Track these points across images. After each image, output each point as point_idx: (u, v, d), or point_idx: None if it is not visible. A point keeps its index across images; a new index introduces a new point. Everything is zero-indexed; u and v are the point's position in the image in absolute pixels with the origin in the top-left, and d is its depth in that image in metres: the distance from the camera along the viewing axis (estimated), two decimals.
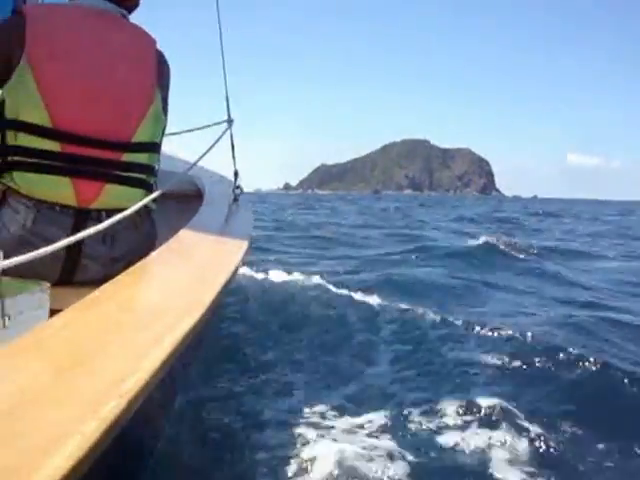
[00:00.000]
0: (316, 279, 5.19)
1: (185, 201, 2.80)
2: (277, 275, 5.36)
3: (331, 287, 4.91)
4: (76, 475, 0.51)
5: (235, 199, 2.64)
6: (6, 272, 1.12)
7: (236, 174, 2.80)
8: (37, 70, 1.79)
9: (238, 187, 2.75)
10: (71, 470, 0.49)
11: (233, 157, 2.84)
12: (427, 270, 6.70)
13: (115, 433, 0.57)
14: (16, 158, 1.82)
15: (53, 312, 1.40)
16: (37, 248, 1.77)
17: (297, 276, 5.31)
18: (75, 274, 1.90)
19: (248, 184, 2.93)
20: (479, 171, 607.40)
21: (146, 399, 0.67)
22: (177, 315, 0.90)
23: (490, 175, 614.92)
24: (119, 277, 1.09)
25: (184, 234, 1.73)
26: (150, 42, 2.05)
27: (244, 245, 1.74)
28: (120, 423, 0.58)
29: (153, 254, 1.38)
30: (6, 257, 1.80)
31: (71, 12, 1.94)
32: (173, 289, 1.14)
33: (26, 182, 1.81)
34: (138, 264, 1.25)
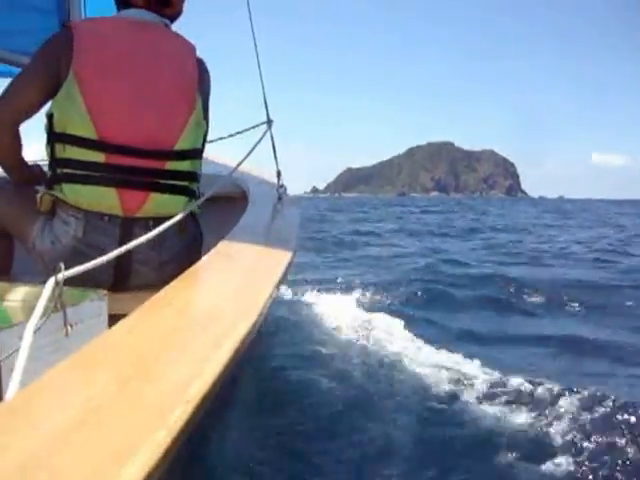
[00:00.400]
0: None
1: (230, 203, 2.82)
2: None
3: None
4: None
5: (279, 198, 2.66)
6: (65, 282, 1.15)
7: (279, 174, 2.82)
8: (83, 83, 1.83)
9: (282, 186, 2.76)
10: (145, 478, 0.50)
11: (275, 157, 2.86)
12: None
13: (183, 439, 0.57)
14: (65, 170, 1.86)
15: (111, 317, 1.43)
16: (90, 257, 1.83)
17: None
18: (128, 279, 1.95)
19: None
20: (504, 173, 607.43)
21: (210, 403, 0.67)
22: (234, 318, 0.90)
23: (515, 176, 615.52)
24: (173, 283, 1.11)
25: (232, 237, 1.74)
26: (191, 50, 2.07)
27: (291, 245, 1.75)
28: (188, 429, 0.59)
29: (204, 258, 1.39)
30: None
31: (115, 25, 1.96)
32: (226, 293, 1.15)
33: (74, 194, 1.86)
34: (190, 269, 1.26)
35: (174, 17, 2.12)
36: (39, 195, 1.91)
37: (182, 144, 1.97)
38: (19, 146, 2.03)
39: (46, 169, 2.19)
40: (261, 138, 2.81)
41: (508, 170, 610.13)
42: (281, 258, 1.51)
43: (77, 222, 1.88)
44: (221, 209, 2.57)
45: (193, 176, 2.04)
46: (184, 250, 2.03)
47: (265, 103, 2.95)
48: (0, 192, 2.15)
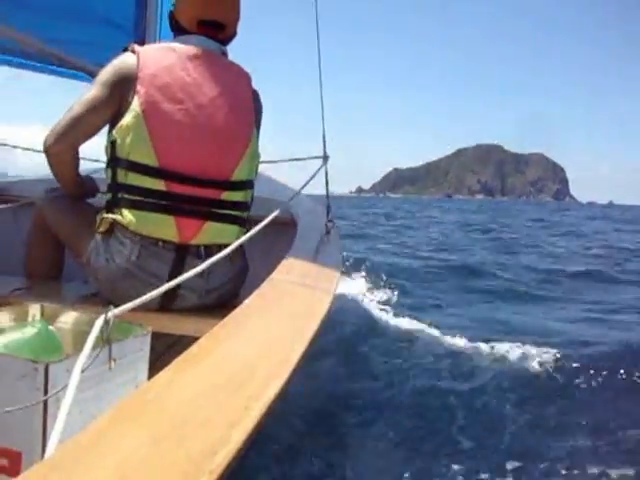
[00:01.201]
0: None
1: (278, 227, 2.87)
2: None
3: None
4: None
5: (327, 232, 2.71)
6: (114, 301, 1.23)
7: (329, 208, 2.88)
8: (146, 112, 1.90)
9: (331, 220, 2.81)
10: None
11: (327, 192, 2.92)
12: None
13: None
14: (125, 195, 1.93)
15: (155, 334, 1.51)
16: (141, 280, 1.94)
17: None
18: (174, 302, 2.01)
19: (318, 187, 2.90)
20: (553, 177, 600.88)
21: (233, 468, 0.73)
22: (266, 378, 0.96)
23: (564, 181, 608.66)
24: (214, 330, 1.16)
25: (276, 276, 1.79)
26: (248, 81, 2.14)
27: (332, 288, 1.80)
28: None
29: (246, 302, 1.44)
30: (111, 285, 1.98)
31: (179, 54, 2.01)
32: (264, 343, 1.20)
33: (132, 218, 1.93)
34: (232, 314, 1.32)
35: (228, 40, 2.19)
36: (99, 217, 2.00)
37: (238, 175, 2.04)
38: (78, 164, 2.12)
39: (95, 180, 2.32)
40: (316, 172, 2.88)
41: (557, 174, 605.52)
42: (320, 305, 1.55)
43: (133, 245, 1.95)
44: (269, 233, 2.63)
45: (245, 206, 2.12)
46: (230, 279, 2.10)
47: (323, 139, 3.02)
48: (56, 203, 2.25)
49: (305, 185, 3.10)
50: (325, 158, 2.97)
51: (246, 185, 2.10)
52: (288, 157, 3.67)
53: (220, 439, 0.74)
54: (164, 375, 0.91)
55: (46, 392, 1.06)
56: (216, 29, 2.12)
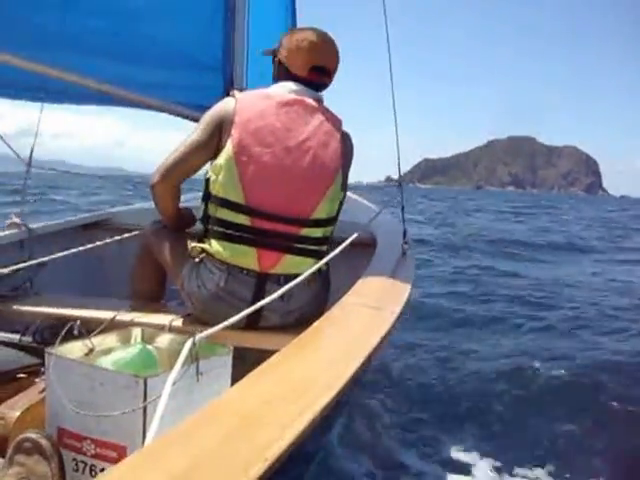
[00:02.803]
0: None
1: (362, 248, 3.01)
2: None
3: None
4: None
5: (403, 253, 2.86)
6: (205, 321, 1.46)
7: (405, 232, 3.02)
8: (237, 154, 2.10)
9: (407, 243, 2.95)
10: None
11: (402, 217, 3.07)
12: None
13: None
14: (215, 228, 2.15)
15: (242, 349, 1.73)
16: (228, 303, 2.16)
17: None
18: (258, 322, 2.20)
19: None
20: (585, 170, 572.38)
21: (287, 460, 0.92)
22: (319, 390, 1.15)
23: (597, 174, 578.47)
24: (283, 350, 1.37)
25: (347, 299, 1.97)
26: (337, 125, 2.28)
27: (397, 310, 1.94)
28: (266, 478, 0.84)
29: (315, 324, 1.63)
30: (203, 307, 2.21)
31: (273, 100, 2.20)
32: (324, 361, 1.39)
33: (220, 248, 2.14)
34: (302, 335, 1.51)
35: (325, 87, 2.37)
36: (191, 246, 2.23)
37: (318, 214, 2.21)
38: (179, 200, 2.38)
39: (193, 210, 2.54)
40: (392, 199, 3.05)
41: (590, 167, 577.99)
42: (383, 327, 1.72)
43: (220, 272, 2.17)
44: (353, 253, 2.79)
45: (325, 241, 2.28)
46: (308, 303, 2.26)
47: (399, 167, 3.18)
48: (160, 233, 2.52)
49: (381, 210, 3.29)
50: (400, 185, 3.13)
51: (325, 223, 2.25)
52: None
53: (275, 437, 0.93)
54: (238, 386, 1.13)
55: (145, 400, 1.31)
56: (323, 74, 2.32)
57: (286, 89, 2.26)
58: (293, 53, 2.28)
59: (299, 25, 4.14)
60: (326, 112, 2.28)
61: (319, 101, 2.30)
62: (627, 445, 2.99)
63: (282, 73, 2.33)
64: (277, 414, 1.03)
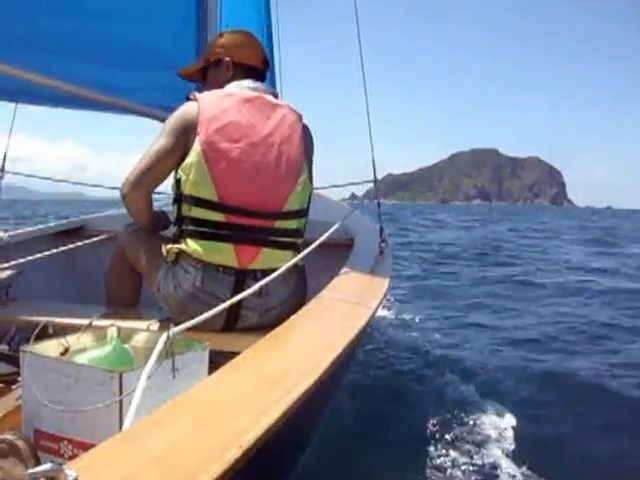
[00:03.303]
0: None
1: (337, 248, 3.01)
2: None
3: None
4: None
5: (381, 252, 2.87)
6: (183, 322, 1.44)
7: (382, 229, 3.04)
8: (206, 151, 2.11)
9: (384, 241, 2.97)
10: None
11: (379, 215, 3.08)
12: None
13: (233, 474, 0.82)
14: (189, 227, 2.15)
15: (220, 352, 1.72)
16: (205, 303, 2.15)
17: None
18: (237, 322, 2.20)
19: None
20: (550, 181, 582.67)
21: (262, 449, 0.92)
22: (297, 378, 1.15)
23: (561, 185, 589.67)
24: (259, 342, 1.37)
25: (324, 294, 1.98)
26: (298, 119, 2.33)
27: (374, 305, 1.95)
28: (237, 466, 0.83)
29: (292, 318, 1.64)
30: (180, 309, 2.20)
31: (234, 97, 2.24)
32: (301, 352, 1.40)
33: (197, 247, 2.13)
34: (279, 328, 1.52)
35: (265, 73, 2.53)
36: (166, 248, 2.21)
37: (290, 206, 2.24)
38: (151, 206, 2.38)
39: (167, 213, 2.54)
40: (366, 197, 3.07)
41: (554, 178, 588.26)
42: (360, 320, 1.72)
43: (197, 272, 2.16)
44: (331, 253, 2.78)
45: (298, 232, 2.30)
46: (287, 299, 2.27)
47: (373, 164, 3.20)
48: (133, 236, 2.50)
49: (356, 208, 3.30)
50: (375, 181, 3.16)
51: (298, 214, 2.28)
52: None
53: (251, 423, 0.94)
54: (212, 377, 1.13)
55: (120, 395, 1.30)
56: (266, 66, 2.50)
57: (244, 87, 2.32)
58: (247, 49, 2.45)
59: (274, 25, 4.17)
60: (285, 107, 2.34)
61: (276, 96, 2.39)
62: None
63: (236, 73, 2.42)
64: (253, 402, 1.04)
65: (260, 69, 2.47)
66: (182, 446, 0.86)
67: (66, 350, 1.62)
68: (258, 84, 2.35)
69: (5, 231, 3.02)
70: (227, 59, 2.43)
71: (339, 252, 2.88)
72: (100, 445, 0.85)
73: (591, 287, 8.30)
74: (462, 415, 3.15)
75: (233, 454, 0.83)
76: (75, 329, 1.85)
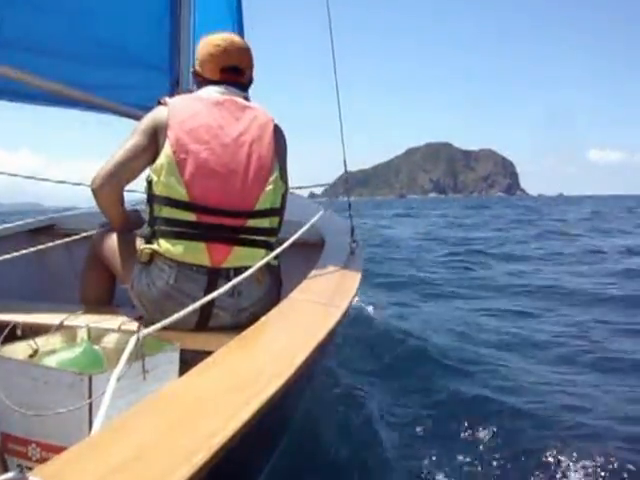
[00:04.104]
0: None
1: (309, 248, 3.02)
2: None
3: None
4: None
5: (352, 252, 2.89)
6: (156, 320, 1.44)
7: (352, 229, 3.07)
8: (177, 153, 2.13)
9: (355, 241, 3.00)
10: None
11: (350, 213, 3.11)
12: None
13: (202, 476, 0.83)
14: (162, 227, 2.16)
15: (192, 351, 1.72)
16: (178, 301, 2.15)
17: None
18: (209, 321, 2.20)
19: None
20: (503, 172, 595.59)
21: (232, 451, 0.93)
22: (267, 379, 1.16)
23: (514, 175, 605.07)
24: (229, 344, 1.37)
25: (295, 295, 1.99)
26: (268, 121, 2.35)
27: (344, 305, 1.96)
28: (206, 469, 0.84)
29: (262, 319, 1.65)
30: (153, 307, 2.19)
31: (204, 102, 2.28)
32: (272, 353, 1.40)
33: (169, 247, 2.15)
34: (249, 329, 1.52)
35: (248, 84, 2.49)
36: (140, 248, 2.22)
37: (261, 205, 2.25)
38: (123, 202, 2.38)
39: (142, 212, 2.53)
40: (340, 192, 3.09)
41: (507, 169, 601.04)
42: (330, 320, 1.73)
43: (170, 270, 2.17)
44: (303, 253, 2.79)
45: (272, 231, 2.31)
46: (260, 299, 2.27)
47: (345, 162, 3.23)
48: (106, 236, 2.50)
49: (329, 205, 3.32)
50: (347, 180, 3.18)
51: (270, 213, 2.29)
52: None
53: (221, 425, 0.94)
54: (182, 379, 1.13)
55: (90, 398, 1.30)
56: (237, 74, 2.41)
57: (212, 91, 2.35)
58: (205, 61, 2.42)
59: (246, 26, 4.17)
60: (256, 108, 2.37)
61: (246, 99, 2.41)
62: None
63: (202, 82, 2.44)
64: (222, 404, 1.04)
65: (217, 80, 2.39)
66: (151, 449, 0.86)
67: (35, 352, 1.60)
68: (225, 88, 2.36)
69: None
70: (197, 69, 2.46)
71: (312, 252, 2.89)
72: (66, 451, 0.85)
73: None
74: (447, 412, 3.21)
75: (202, 457, 0.84)
76: (45, 329, 1.84)
